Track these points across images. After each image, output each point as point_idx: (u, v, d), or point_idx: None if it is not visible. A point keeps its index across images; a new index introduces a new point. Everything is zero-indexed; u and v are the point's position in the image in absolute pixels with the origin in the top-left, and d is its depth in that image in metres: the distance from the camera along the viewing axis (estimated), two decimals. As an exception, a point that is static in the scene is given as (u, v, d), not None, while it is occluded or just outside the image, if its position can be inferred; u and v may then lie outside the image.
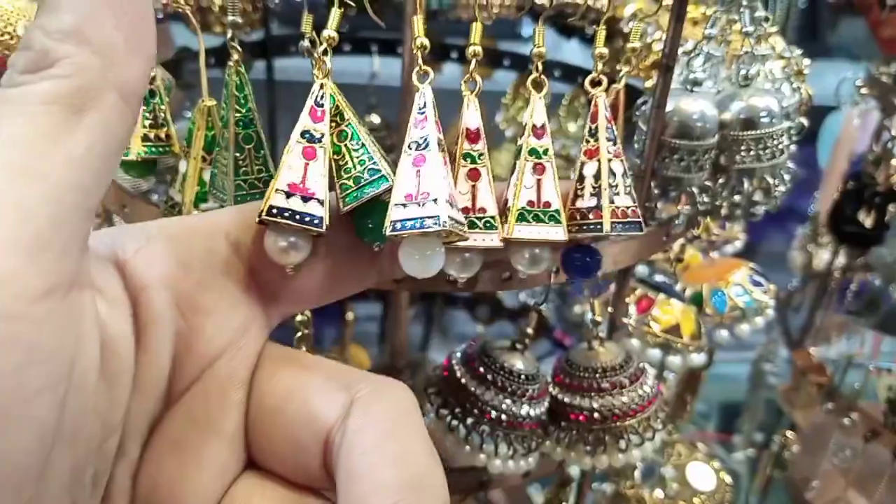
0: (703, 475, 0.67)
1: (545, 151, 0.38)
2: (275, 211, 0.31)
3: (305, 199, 0.33)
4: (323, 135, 0.34)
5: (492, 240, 0.35)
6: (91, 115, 0.23)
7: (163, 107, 0.42)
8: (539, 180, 0.38)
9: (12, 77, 0.23)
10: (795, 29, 2.23)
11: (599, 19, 0.77)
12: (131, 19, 0.24)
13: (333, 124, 0.36)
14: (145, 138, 0.41)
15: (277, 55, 0.80)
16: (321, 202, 0.33)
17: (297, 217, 0.31)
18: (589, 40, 0.82)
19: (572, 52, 0.86)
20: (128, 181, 0.47)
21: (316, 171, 0.33)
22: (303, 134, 0.34)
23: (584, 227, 0.37)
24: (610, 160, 0.38)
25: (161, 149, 0.42)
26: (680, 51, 0.55)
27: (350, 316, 0.94)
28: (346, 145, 0.36)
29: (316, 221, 0.32)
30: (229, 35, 0.39)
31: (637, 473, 0.67)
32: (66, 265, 0.22)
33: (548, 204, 0.37)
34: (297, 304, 0.33)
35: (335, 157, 0.35)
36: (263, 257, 0.30)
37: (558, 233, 0.36)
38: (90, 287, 0.24)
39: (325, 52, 0.34)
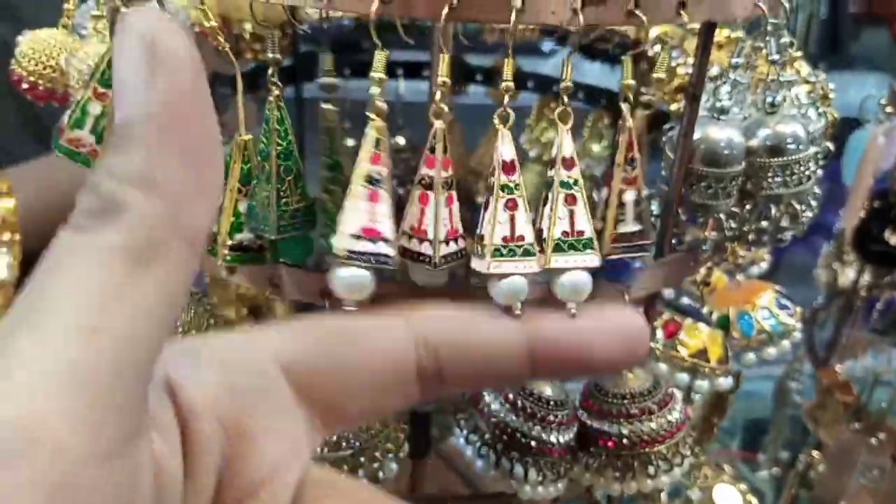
0: (729, 497, 0.67)
1: (575, 182, 0.39)
2: (348, 255, 0.34)
3: (374, 240, 0.35)
4: (383, 176, 0.36)
5: (531, 266, 0.37)
6: (158, 266, 0.22)
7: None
8: (572, 210, 0.39)
9: (77, 220, 0.22)
10: (817, 41, 2.23)
11: (624, 43, 0.78)
12: (199, 159, 0.24)
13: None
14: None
15: (306, 78, 0.81)
16: (389, 241, 0.35)
17: (369, 258, 0.35)
18: (612, 61, 0.83)
19: (595, 73, 0.86)
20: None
21: (382, 213, 0.35)
22: (366, 178, 0.35)
23: (628, 249, 0.40)
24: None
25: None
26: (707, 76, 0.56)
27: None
28: None
29: (387, 261, 0.35)
30: (269, 72, 0.40)
31: (664, 496, 0.67)
32: (125, 425, 0.21)
33: (581, 232, 0.39)
34: (342, 423, 0.33)
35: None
36: (313, 379, 0.30)
37: (594, 260, 0.38)
38: (147, 429, 0.23)
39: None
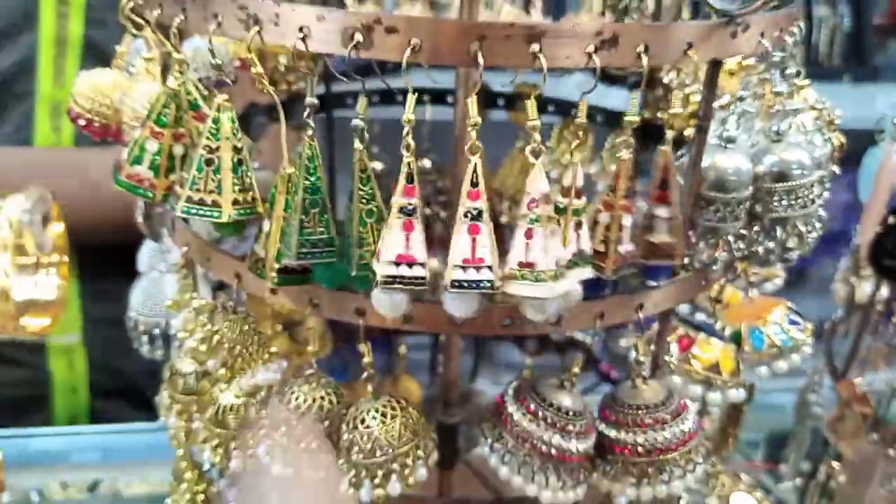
0: (746, 505, 0.70)
1: (583, 210, 0.44)
2: (386, 279, 0.41)
3: (410, 265, 0.41)
4: (416, 207, 0.40)
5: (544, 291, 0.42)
6: None
7: (249, 174, 0.47)
8: (578, 234, 0.44)
9: None
10: (841, 54, 2.22)
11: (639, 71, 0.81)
12: None
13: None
14: (235, 202, 0.46)
15: (336, 108, 0.86)
16: (423, 265, 0.41)
17: (407, 281, 0.41)
18: (631, 87, 0.86)
19: (615, 97, 0.90)
20: (206, 234, 0.53)
21: (416, 240, 0.41)
22: (401, 209, 0.40)
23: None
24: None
25: (248, 210, 0.47)
26: (717, 104, 0.59)
27: (403, 349, 0.99)
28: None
29: (422, 283, 0.42)
30: (306, 113, 0.45)
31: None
32: None
33: (582, 252, 0.45)
34: None
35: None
36: None
37: (590, 272, 0.45)
38: None
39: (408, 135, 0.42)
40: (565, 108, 0.91)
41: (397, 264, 0.42)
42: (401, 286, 0.42)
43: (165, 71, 0.53)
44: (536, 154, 0.42)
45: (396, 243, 0.42)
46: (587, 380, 0.97)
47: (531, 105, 0.42)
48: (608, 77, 0.90)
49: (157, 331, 0.64)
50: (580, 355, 0.54)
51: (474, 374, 1.15)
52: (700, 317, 0.67)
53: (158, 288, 0.64)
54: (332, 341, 0.86)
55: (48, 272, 0.80)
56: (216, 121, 0.46)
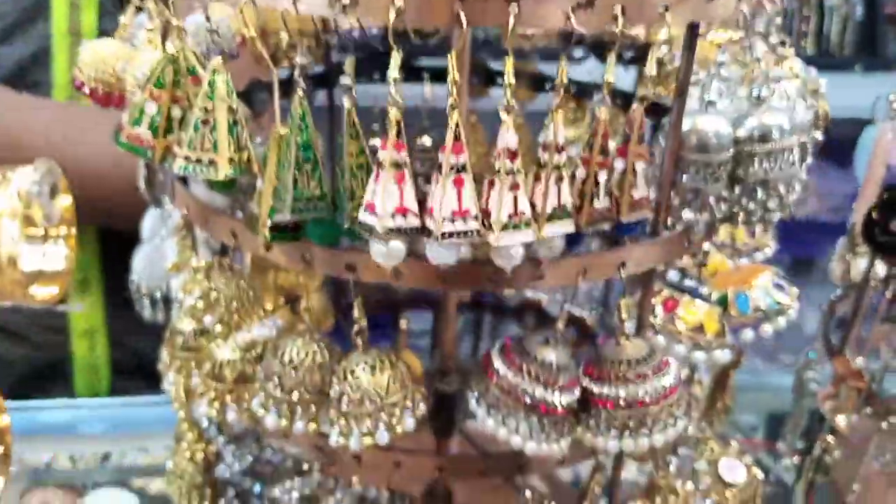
0: (734, 470, 0.71)
1: (563, 165, 0.46)
2: (390, 231, 0.44)
3: (405, 216, 0.44)
4: (406, 161, 0.43)
5: (529, 235, 0.46)
6: None
7: (244, 134, 0.49)
8: (559, 187, 0.46)
9: None
10: (853, 43, 2.21)
11: (634, 44, 0.83)
12: None
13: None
14: (230, 160, 0.48)
15: (337, 84, 0.88)
16: (417, 215, 0.44)
17: (405, 230, 0.44)
18: (627, 62, 0.87)
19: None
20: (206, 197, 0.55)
21: (408, 192, 0.43)
22: (392, 164, 0.42)
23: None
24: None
25: (243, 169, 0.49)
26: (703, 73, 0.61)
27: (403, 324, 1.01)
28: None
29: (417, 230, 0.45)
30: (297, 73, 0.47)
31: (672, 468, 0.72)
32: None
33: (564, 206, 0.47)
34: None
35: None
36: None
37: (572, 226, 0.48)
38: None
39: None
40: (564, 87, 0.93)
41: (394, 216, 0.44)
42: (400, 236, 0.44)
43: (165, 38, 0.55)
44: (507, 110, 0.44)
45: (391, 196, 0.44)
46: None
47: (509, 62, 0.44)
48: (602, 53, 0.92)
49: (158, 294, 0.66)
50: (566, 311, 0.55)
51: (475, 352, 1.17)
52: (688, 284, 0.69)
53: (160, 253, 0.66)
54: (333, 315, 0.88)
55: (56, 243, 0.82)
56: (211, 83, 0.48)
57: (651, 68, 0.52)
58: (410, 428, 0.53)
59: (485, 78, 0.92)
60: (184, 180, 0.59)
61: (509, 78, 0.45)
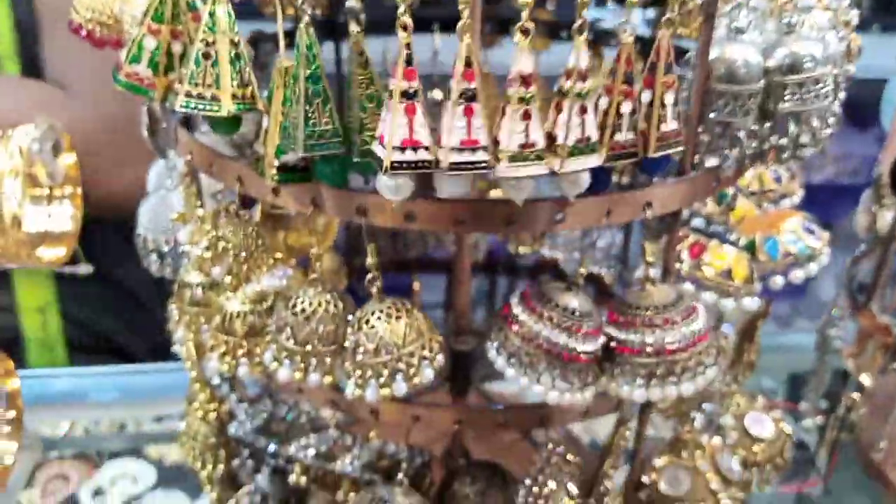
0: (762, 424, 0.69)
1: (587, 93, 0.43)
2: (397, 165, 0.41)
3: (416, 149, 0.41)
4: (417, 90, 0.40)
5: (542, 169, 0.42)
6: None
7: (247, 69, 0.47)
8: (584, 119, 0.43)
9: None
10: (870, 3, 2.15)
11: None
12: None
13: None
14: (234, 96, 0.46)
15: (344, 35, 0.85)
16: (427, 148, 0.42)
17: (414, 164, 0.42)
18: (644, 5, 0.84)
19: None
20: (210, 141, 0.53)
21: (419, 123, 0.40)
22: (402, 94, 0.40)
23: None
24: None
25: (247, 105, 0.47)
26: (728, 6, 0.58)
27: (417, 285, 0.99)
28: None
29: (428, 164, 0.42)
30: (300, 2, 0.44)
31: (697, 423, 0.70)
32: None
33: (588, 139, 0.44)
34: None
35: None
36: None
37: (598, 159, 0.44)
38: None
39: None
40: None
41: (402, 149, 0.42)
42: (408, 170, 0.42)
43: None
44: (525, 32, 0.41)
45: (400, 128, 0.42)
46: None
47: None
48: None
49: (165, 248, 0.64)
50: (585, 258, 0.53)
51: (490, 317, 1.15)
52: (714, 229, 0.66)
53: (166, 204, 0.64)
54: (346, 276, 0.86)
55: (61, 203, 0.80)
56: (212, 14, 0.46)
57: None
58: (429, 378, 0.51)
59: (497, 26, 0.89)
60: (187, 125, 0.57)
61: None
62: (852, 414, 0.97)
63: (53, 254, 0.82)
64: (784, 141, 0.52)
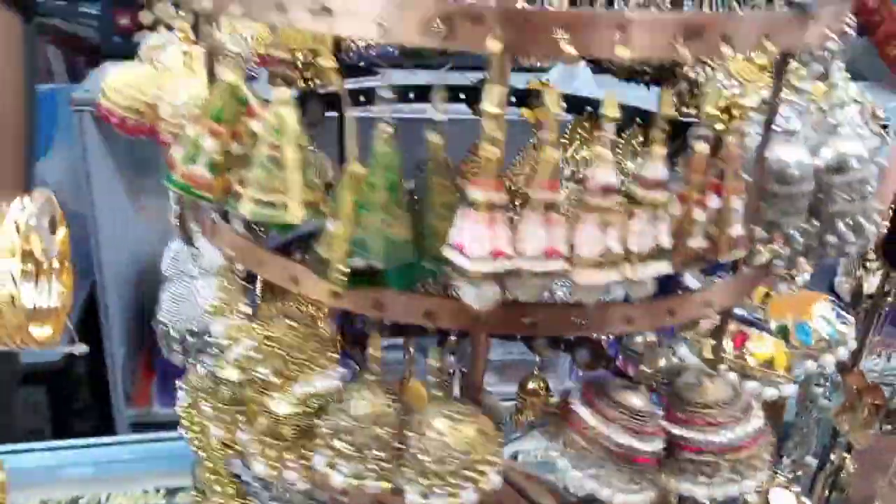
0: (784, 500, 0.70)
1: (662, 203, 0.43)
2: (483, 275, 0.41)
3: (500, 259, 0.41)
4: (503, 202, 0.39)
5: (617, 276, 0.44)
6: None
7: (313, 173, 0.45)
8: (657, 227, 0.43)
9: None
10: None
11: (661, 66, 0.80)
12: None
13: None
14: (306, 203, 0.44)
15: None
16: (510, 257, 0.41)
17: (500, 276, 0.42)
18: (647, 83, 0.85)
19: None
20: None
21: (501, 235, 0.41)
22: (487, 205, 0.39)
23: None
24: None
25: (317, 211, 0.45)
26: (756, 100, 0.59)
27: (411, 351, 0.97)
28: None
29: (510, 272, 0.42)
30: (381, 110, 0.43)
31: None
32: None
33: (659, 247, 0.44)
34: None
35: None
36: None
37: (668, 267, 0.45)
38: None
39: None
40: (578, 105, 0.91)
41: (492, 258, 0.41)
42: (495, 281, 0.41)
43: (212, 64, 0.50)
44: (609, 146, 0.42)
45: (483, 238, 0.41)
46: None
47: (611, 102, 0.42)
48: (620, 72, 0.90)
49: (190, 339, 0.61)
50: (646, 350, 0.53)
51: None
52: (746, 315, 0.67)
53: (191, 292, 0.61)
54: (340, 345, 0.84)
55: (51, 279, 0.76)
56: (280, 116, 0.44)
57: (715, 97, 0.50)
58: (497, 485, 0.49)
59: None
60: (225, 216, 0.54)
61: (611, 111, 0.43)
62: (842, 473, 0.99)
63: (43, 333, 0.77)
64: (833, 239, 0.53)
